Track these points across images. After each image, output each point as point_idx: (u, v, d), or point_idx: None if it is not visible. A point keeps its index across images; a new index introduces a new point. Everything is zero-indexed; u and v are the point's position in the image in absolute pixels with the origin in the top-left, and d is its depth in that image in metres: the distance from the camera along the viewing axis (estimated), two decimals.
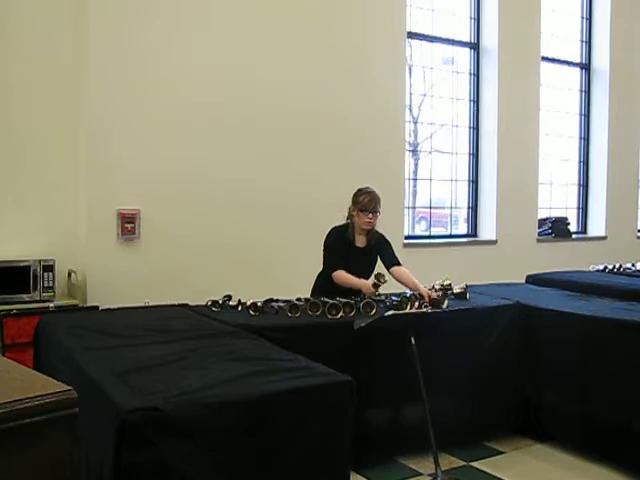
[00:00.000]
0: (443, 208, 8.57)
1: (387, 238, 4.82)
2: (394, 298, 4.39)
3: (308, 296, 4.53)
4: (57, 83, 5.67)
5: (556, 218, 8.89)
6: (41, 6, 5.59)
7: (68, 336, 3.42)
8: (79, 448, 1.68)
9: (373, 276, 4.52)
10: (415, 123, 8.30)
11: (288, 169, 6.48)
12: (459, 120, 8.29)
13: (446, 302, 4.40)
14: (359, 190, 4.70)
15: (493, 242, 8.12)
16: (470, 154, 8.31)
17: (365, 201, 4.60)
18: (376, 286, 4.37)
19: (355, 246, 4.71)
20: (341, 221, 4.78)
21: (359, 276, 4.55)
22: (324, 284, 4.65)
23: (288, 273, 6.01)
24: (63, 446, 1.63)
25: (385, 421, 4.12)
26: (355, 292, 4.50)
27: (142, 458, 2.23)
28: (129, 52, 5.77)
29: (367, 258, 4.73)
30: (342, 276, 4.54)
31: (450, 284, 4.84)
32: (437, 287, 4.73)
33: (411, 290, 4.53)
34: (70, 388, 1.68)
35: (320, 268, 4.80)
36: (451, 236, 8.36)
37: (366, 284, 4.45)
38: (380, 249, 4.76)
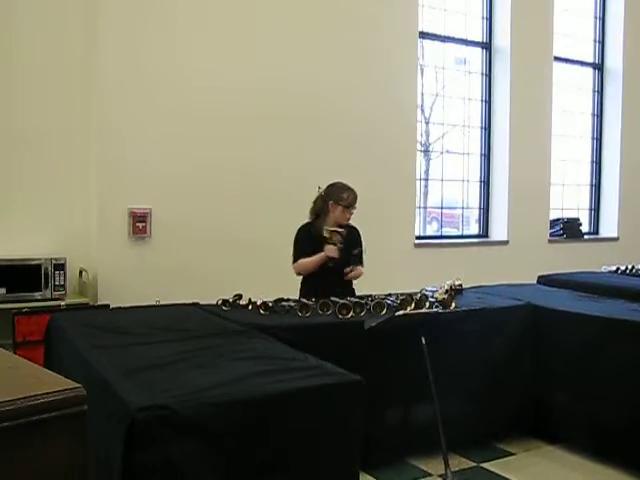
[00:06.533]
0: (454, 208, 8.54)
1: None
2: (397, 298, 4.38)
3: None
4: (68, 83, 5.70)
5: (568, 219, 8.86)
6: (51, 7, 5.61)
7: (79, 334, 3.43)
8: (87, 445, 1.68)
9: (324, 231, 4.57)
10: (427, 123, 8.29)
11: (299, 168, 6.47)
12: (471, 120, 8.28)
13: (453, 303, 4.37)
14: (337, 187, 4.73)
15: (504, 243, 8.10)
16: (482, 154, 8.29)
17: (350, 198, 4.68)
18: (331, 238, 4.48)
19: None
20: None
21: (338, 267, 4.62)
22: (308, 285, 4.70)
23: None
24: (71, 443, 1.63)
25: (395, 421, 4.10)
26: (340, 288, 4.53)
27: (151, 456, 2.23)
28: (139, 51, 5.79)
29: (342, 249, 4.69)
30: (301, 263, 4.65)
31: (461, 284, 4.83)
32: (447, 288, 4.72)
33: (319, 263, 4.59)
34: (79, 385, 1.67)
35: None
36: (462, 236, 8.34)
37: (323, 252, 4.53)
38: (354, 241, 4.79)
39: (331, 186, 4.75)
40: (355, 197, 4.69)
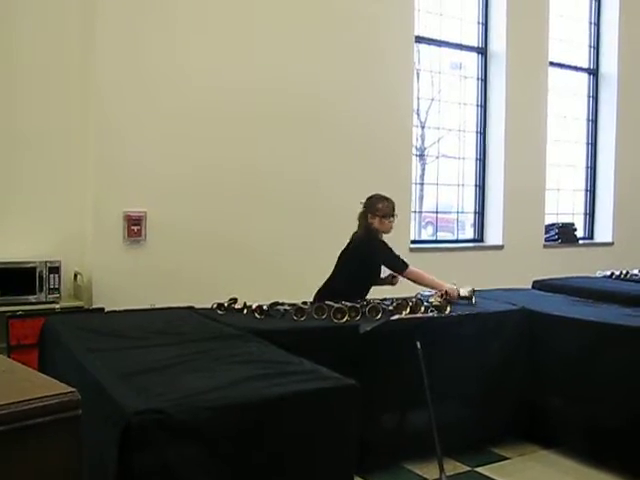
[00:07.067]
0: (450, 213, 8.55)
1: None
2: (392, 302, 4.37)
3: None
4: (65, 85, 5.68)
5: (563, 224, 8.87)
6: (49, 8, 5.59)
7: (73, 338, 3.42)
8: (82, 449, 1.68)
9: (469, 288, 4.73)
10: (422, 128, 8.29)
11: (295, 170, 6.47)
12: (466, 125, 8.28)
13: (449, 307, 4.37)
14: (373, 199, 4.84)
15: (500, 247, 8.10)
16: (477, 159, 8.29)
17: (389, 208, 4.81)
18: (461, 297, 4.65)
19: None
20: (349, 222, 4.85)
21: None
22: (346, 290, 4.53)
23: (298, 274, 5.99)
24: (66, 447, 1.62)
25: (390, 425, 4.11)
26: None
27: (146, 460, 2.22)
28: (137, 51, 5.78)
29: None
30: (420, 273, 4.74)
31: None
32: (442, 292, 4.73)
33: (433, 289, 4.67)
34: (74, 390, 1.67)
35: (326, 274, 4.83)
36: (457, 241, 8.34)
37: (448, 286, 4.64)
38: None
39: (369, 199, 4.85)
40: (392, 206, 4.82)
